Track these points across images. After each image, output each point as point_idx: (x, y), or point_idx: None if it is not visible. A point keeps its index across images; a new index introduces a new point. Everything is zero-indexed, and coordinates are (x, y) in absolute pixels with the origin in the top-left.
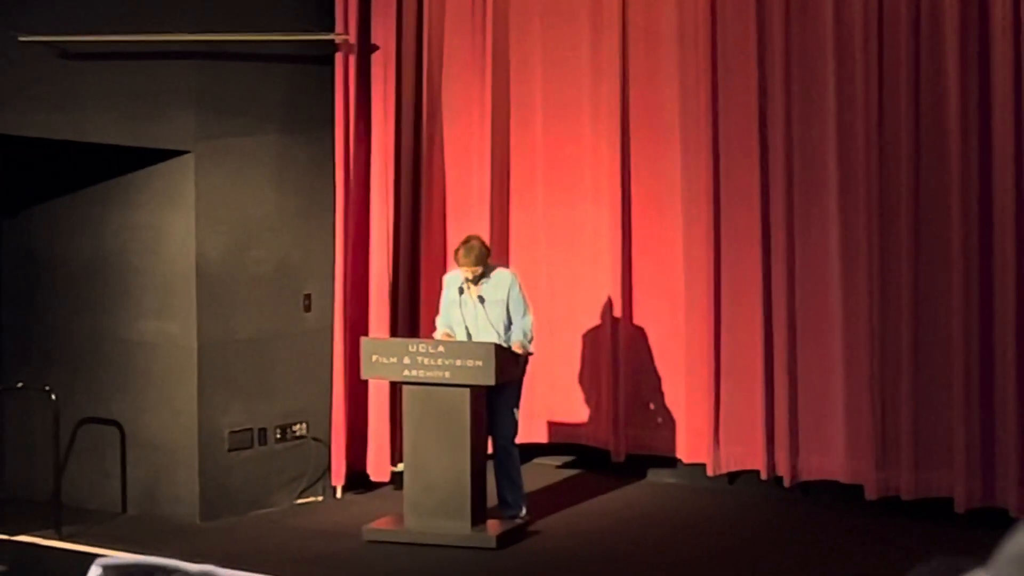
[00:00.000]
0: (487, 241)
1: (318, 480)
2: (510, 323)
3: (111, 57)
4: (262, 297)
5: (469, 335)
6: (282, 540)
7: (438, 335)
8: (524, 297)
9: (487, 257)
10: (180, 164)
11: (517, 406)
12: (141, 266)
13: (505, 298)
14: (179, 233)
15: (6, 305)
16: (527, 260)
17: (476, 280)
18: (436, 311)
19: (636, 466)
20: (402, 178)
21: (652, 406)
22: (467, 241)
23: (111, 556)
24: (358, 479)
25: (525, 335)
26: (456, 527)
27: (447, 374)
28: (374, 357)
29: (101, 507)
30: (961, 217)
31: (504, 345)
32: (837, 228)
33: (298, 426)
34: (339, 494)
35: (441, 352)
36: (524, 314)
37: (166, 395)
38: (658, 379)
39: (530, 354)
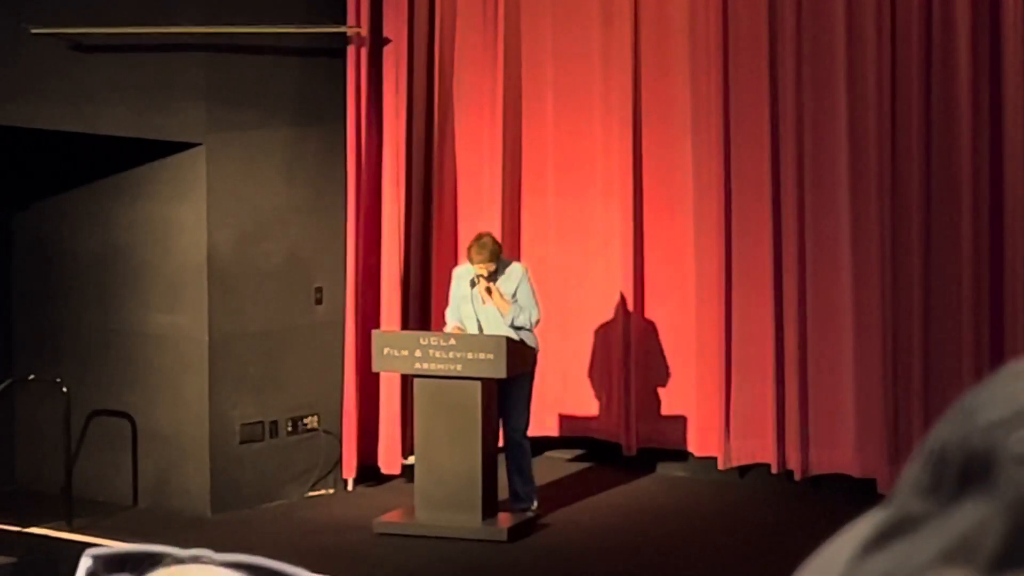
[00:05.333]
0: (498, 234)
1: (329, 473)
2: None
3: (122, 49)
4: (273, 290)
5: (480, 329)
6: (293, 533)
7: (448, 329)
8: (533, 291)
9: (499, 253)
10: (191, 157)
11: (529, 399)
12: (152, 259)
13: (514, 291)
14: (190, 226)
15: (17, 298)
16: (538, 253)
17: (491, 277)
18: (447, 304)
19: (647, 459)
20: (413, 171)
21: (663, 399)
22: (479, 238)
23: (100, 548)
24: (369, 472)
25: (529, 319)
26: (467, 520)
27: (458, 367)
28: (385, 350)
29: (112, 499)
30: (972, 210)
31: (515, 338)
32: (848, 221)
33: (309, 419)
34: (350, 487)
35: (453, 345)
36: (533, 307)
37: (177, 388)
38: (669, 372)
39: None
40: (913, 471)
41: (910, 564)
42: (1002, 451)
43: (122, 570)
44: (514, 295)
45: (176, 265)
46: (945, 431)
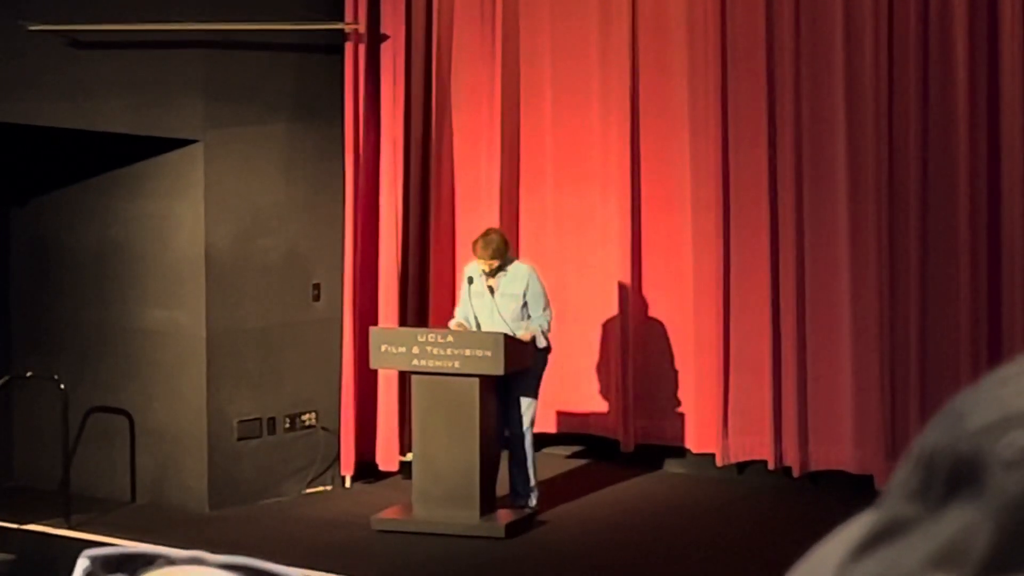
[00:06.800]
0: None
1: (327, 469)
2: (524, 317)
3: (120, 46)
4: (271, 286)
5: (479, 326)
6: (291, 529)
7: (452, 325)
8: (543, 291)
9: (506, 251)
10: (189, 153)
11: (535, 397)
12: (150, 255)
13: (520, 292)
14: (188, 222)
15: (15, 294)
16: (536, 249)
17: (493, 273)
18: (445, 300)
19: (645, 456)
20: (411, 167)
21: (661, 396)
22: (486, 234)
23: (98, 548)
24: (367, 469)
25: (541, 327)
26: (465, 516)
27: (456, 364)
28: (383, 347)
29: (110, 496)
30: (970, 209)
31: (514, 336)
32: (846, 217)
33: (307, 415)
34: (348, 484)
35: (450, 342)
36: (544, 308)
37: (175, 384)
38: (667, 369)
39: (548, 348)
40: (902, 475)
41: (899, 568)
42: (990, 456)
43: (119, 570)
44: (524, 295)
45: (174, 261)
46: (934, 435)
